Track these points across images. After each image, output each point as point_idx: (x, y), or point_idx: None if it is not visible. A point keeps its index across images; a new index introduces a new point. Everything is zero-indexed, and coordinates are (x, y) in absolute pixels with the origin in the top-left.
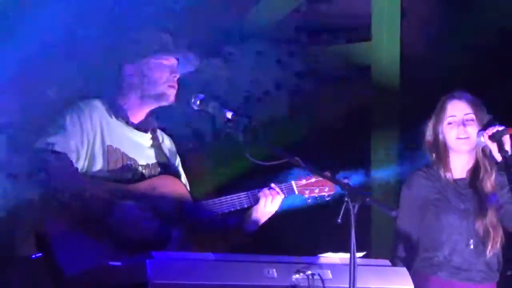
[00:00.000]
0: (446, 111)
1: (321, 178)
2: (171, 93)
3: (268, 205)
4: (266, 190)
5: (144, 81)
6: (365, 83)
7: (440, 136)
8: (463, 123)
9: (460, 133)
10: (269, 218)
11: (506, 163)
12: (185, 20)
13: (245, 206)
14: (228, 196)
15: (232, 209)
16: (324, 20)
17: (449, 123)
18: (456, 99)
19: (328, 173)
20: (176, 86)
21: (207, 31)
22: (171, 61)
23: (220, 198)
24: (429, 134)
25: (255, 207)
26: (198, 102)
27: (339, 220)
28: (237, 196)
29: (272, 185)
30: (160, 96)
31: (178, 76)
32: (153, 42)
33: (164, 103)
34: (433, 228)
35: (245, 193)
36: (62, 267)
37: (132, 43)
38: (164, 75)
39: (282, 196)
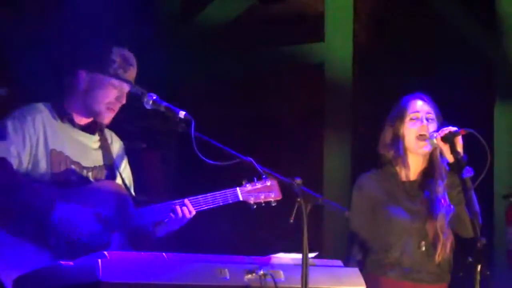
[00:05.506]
0: (408, 109)
1: (267, 184)
2: (107, 116)
3: (176, 220)
4: (177, 207)
5: (88, 93)
6: (318, 83)
7: (400, 134)
8: (426, 120)
9: (423, 129)
10: (221, 218)
11: (458, 164)
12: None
13: (164, 219)
14: (156, 205)
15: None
16: (277, 21)
17: (412, 119)
18: (418, 99)
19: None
20: (116, 110)
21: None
22: (122, 86)
23: (149, 207)
24: (387, 133)
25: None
26: (151, 102)
27: (291, 221)
28: (163, 205)
29: (186, 201)
30: (96, 114)
31: (123, 103)
32: (115, 62)
33: (96, 121)
34: (384, 229)
35: (163, 204)
36: None
37: (95, 54)
38: (109, 97)
39: (193, 212)
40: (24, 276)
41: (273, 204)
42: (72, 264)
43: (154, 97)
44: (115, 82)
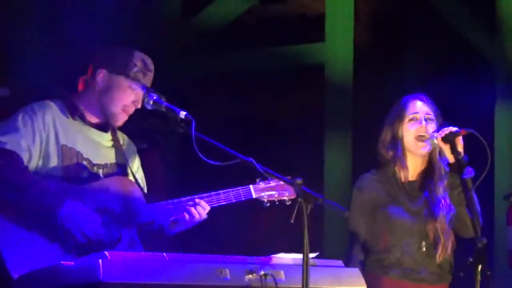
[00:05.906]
0: (407, 110)
1: (281, 182)
2: (121, 118)
3: (191, 218)
4: (192, 208)
5: (105, 93)
6: (319, 83)
7: (399, 135)
8: (425, 121)
9: (421, 130)
10: (222, 219)
11: (459, 165)
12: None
13: (178, 219)
14: (169, 202)
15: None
16: (277, 21)
17: (411, 120)
18: (417, 99)
19: (280, 175)
20: (130, 113)
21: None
22: (138, 91)
23: (160, 202)
24: (386, 134)
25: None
26: (151, 102)
27: (292, 221)
28: (176, 203)
29: (200, 201)
30: (110, 115)
31: (138, 107)
32: (136, 66)
33: (110, 122)
34: (384, 230)
35: (173, 201)
36: (8, 268)
37: (119, 56)
38: (126, 99)
39: (208, 208)
40: (25, 275)
41: (288, 203)
42: (73, 264)
43: (155, 97)
44: (134, 85)
